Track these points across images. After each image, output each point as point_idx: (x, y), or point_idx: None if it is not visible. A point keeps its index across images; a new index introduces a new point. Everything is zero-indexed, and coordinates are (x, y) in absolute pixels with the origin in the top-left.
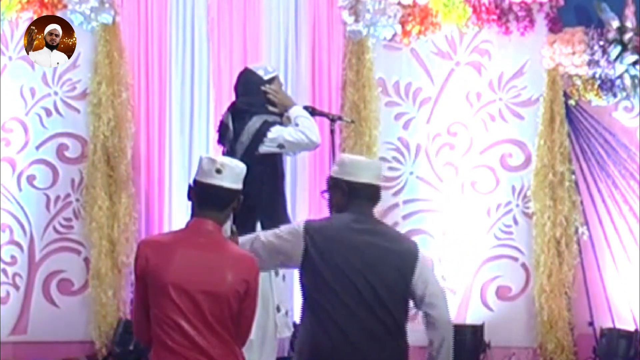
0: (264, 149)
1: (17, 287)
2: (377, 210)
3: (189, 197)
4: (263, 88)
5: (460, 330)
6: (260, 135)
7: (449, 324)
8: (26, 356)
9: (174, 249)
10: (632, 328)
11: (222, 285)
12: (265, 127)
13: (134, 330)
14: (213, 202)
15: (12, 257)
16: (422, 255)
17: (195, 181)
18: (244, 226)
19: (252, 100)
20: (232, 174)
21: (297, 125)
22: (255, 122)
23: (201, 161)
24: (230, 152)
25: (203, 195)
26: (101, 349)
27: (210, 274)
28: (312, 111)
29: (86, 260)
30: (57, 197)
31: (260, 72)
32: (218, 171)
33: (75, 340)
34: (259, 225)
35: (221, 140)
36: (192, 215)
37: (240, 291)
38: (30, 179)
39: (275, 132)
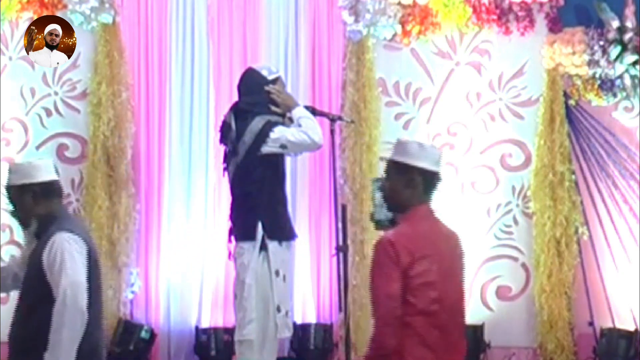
0: (266, 149)
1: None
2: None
3: (411, 185)
4: (266, 88)
5: None
6: (262, 135)
7: None
8: None
9: (432, 241)
10: (632, 328)
11: (461, 274)
12: (268, 127)
13: (383, 340)
14: (436, 188)
15: (12, 257)
16: None
17: (421, 169)
18: (245, 226)
19: (255, 100)
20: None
21: (299, 125)
22: (258, 122)
23: (426, 149)
24: (232, 152)
25: (430, 182)
26: None
27: (454, 264)
28: (313, 111)
29: None
30: None
31: (264, 72)
32: (440, 158)
33: None
34: (259, 225)
35: (223, 140)
36: (412, 202)
37: None
38: None
39: (278, 132)
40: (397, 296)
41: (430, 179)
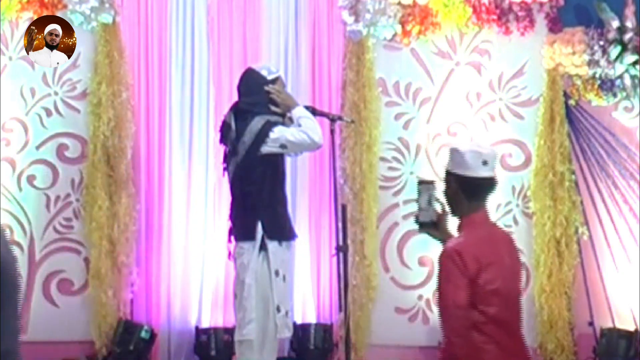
0: (266, 149)
1: None
2: (378, 210)
3: (467, 193)
4: (266, 88)
5: None
6: (262, 135)
7: None
8: (26, 356)
9: (494, 247)
10: (632, 328)
11: (521, 274)
12: (268, 127)
13: (455, 351)
14: (486, 193)
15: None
16: None
17: (477, 178)
18: (245, 226)
19: (255, 100)
20: (494, 163)
21: (299, 125)
22: (257, 122)
23: (463, 155)
24: (232, 152)
25: (477, 188)
26: (101, 349)
27: (515, 267)
28: (313, 111)
29: (86, 260)
30: (57, 197)
31: (264, 72)
32: (485, 163)
33: (75, 340)
34: (259, 225)
35: (223, 140)
36: (471, 210)
37: None
38: (30, 179)
39: (277, 132)
40: (465, 306)
41: (486, 186)
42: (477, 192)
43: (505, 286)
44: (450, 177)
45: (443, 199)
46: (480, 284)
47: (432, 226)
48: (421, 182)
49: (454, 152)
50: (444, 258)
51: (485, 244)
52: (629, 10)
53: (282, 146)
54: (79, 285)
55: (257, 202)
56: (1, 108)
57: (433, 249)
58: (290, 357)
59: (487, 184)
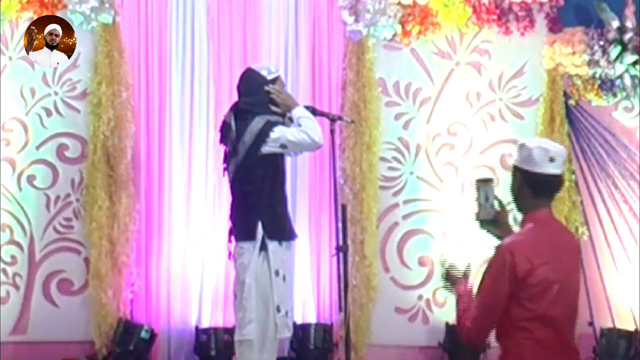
0: (266, 149)
1: (17, 287)
2: (377, 210)
3: (532, 189)
4: (266, 88)
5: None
6: (263, 135)
7: None
8: (26, 356)
9: (552, 246)
10: (632, 328)
11: (578, 276)
12: (268, 127)
13: (473, 335)
14: (552, 191)
15: (12, 257)
16: None
17: (542, 174)
18: (245, 226)
19: (255, 100)
20: (561, 160)
21: (299, 125)
22: (258, 122)
23: (531, 151)
24: (232, 152)
25: (542, 185)
26: (101, 349)
27: (572, 268)
28: (313, 111)
29: (86, 260)
30: (57, 197)
31: (264, 72)
32: (552, 160)
33: (75, 340)
34: (259, 225)
35: (223, 140)
36: (534, 206)
37: None
38: (30, 179)
39: (278, 132)
40: (500, 304)
41: (552, 183)
42: (542, 189)
43: (559, 287)
44: (517, 173)
45: (503, 196)
46: (531, 282)
47: (491, 223)
48: (479, 180)
49: (522, 148)
50: (496, 254)
51: (543, 243)
52: (629, 10)
53: (283, 146)
54: (79, 285)
55: (258, 202)
56: (1, 108)
57: (433, 249)
58: (290, 357)
59: (554, 181)
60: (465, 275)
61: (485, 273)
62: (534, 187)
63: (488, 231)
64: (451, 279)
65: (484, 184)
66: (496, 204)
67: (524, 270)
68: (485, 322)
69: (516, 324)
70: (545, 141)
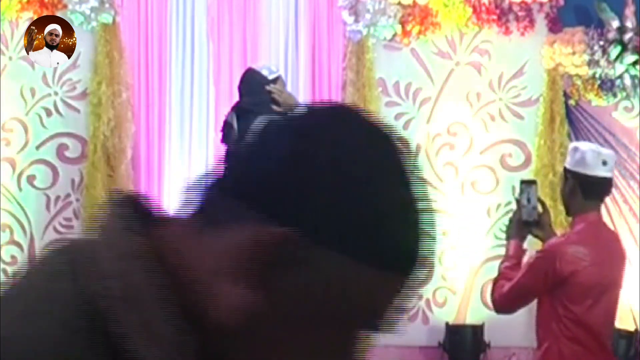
0: None
1: None
2: None
3: (583, 192)
4: (267, 88)
5: (460, 330)
6: None
7: None
8: None
9: (598, 249)
10: (632, 328)
11: (621, 280)
12: None
13: (503, 302)
14: (602, 194)
15: (12, 257)
16: None
17: (593, 177)
18: None
19: (257, 100)
20: (612, 164)
21: None
22: (260, 122)
23: (584, 153)
24: None
25: (594, 188)
26: None
27: (617, 268)
28: None
29: None
30: (57, 197)
31: (265, 72)
32: (604, 163)
33: None
34: None
35: (224, 140)
36: (583, 209)
37: None
38: (30, 179)
39: None
40: (533, 296)
41: (603, 186)
42: (593, 191)
43: (600, 290)
44: (569, 175)
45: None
46: (573, 284)
47: (534, 225)
48: (523, 181)
49: (575, 151)
50: (539, 254)
51: (590, 245)
52: (629, 10)
53: None
54: None
55: None
56: (1, 108)
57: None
58: None
59: (605, 184)
60: (522, 236)
61: (523, 269)
62: (585, 189)
63: (530, 233)
64: (512, 229)
65: (527, 185)
66: (539, 205)
67: (567, 272)
68: (516, 300)
69: (558, 323)
70: (596, 145)
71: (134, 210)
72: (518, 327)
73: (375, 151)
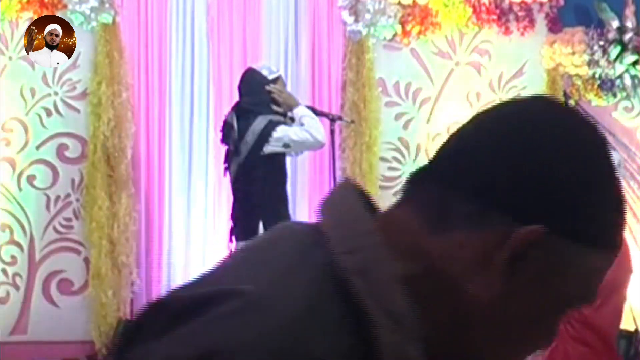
0: (269, 148)
1: (17, 287)
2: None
3: None
4: (267, 88)
5: None
6: (265, 134)
7: None
8: (26, 356)
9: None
10: (632, 328)
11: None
12: (271, 126)
13: None
14: None
15: (12, 257)
16: None
17: None
18: (246, 226)
19: (257, 100)
20: (620, 168)
21: (302, 124)
22: (260, 122)
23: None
24: (234, 152)
25: None
26: (101, 349)
27: (623, 269)
28: (313, 111)
29: (86, 260)
30: (57, 197)
31: (265, 72)
32: (619, 165)
33: (75, 340)
34: (261, 226)
35: (225, 140)
36: None
37: None
38: (30, 179)
39: (280, 131)
40: None
41: None
42: None
43: (609, 290)
44: None
45: None
46: None
47: None
48: None
49: None
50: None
51: None
52: (629, 10)
53: (285, 145)
54: (79, 285)
55: (259, 202)
56: (1, 108)
57: None
58: None
59: None
60: None
61: None
62: None
63: None
64: None
65: None
66: None
67: None
68: None
69: (566, 324)
70: None
71: (362, 195)
72: None
73: (605, 146)
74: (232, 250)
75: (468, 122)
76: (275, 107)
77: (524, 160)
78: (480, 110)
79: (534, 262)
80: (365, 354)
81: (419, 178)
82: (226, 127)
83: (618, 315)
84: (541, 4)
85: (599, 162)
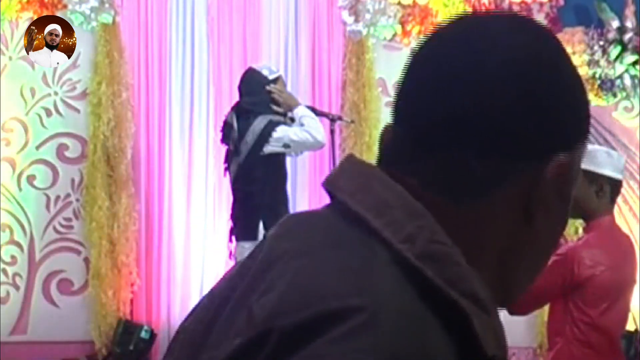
0: (269, 148)
1: (17, 287)
2: None
3: (599, 194)
4: (268, 88)
5: None
6: (265, 134)
7: None
8: (26, 356)
9: (614, 253)
10: (632, 328)
11: (633, 283)
12: (271, 126)
13: (526, 301)
14: (615, 196)
15: (12, 257)
16: None
17: (609, 177)
18: (246, 226)
19: (257, 100)
20: (622, 166)
21: (302, 125)
22: (260, 122)
23: (617, 157)
24: (234, 152)
25: (616, 191)
26: (101, 349)
27: (631, 271)
28: (313, 111)
29: (86, 260)
30: (57, 197)
31: (265, 72)
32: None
33: (75, 340)
34: (261, 225)
35: (225, 140)
36: (599, 211)
37: None
38: (30, 179)
39: (280, 131)
40: (546, 296)
41: (616, 188)
42: (616, 194)
43: (616, 294)
44: (603, 178)
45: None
46: (590, 287)
47: None
48: None
49: (608, 155)
50: (557, 256)
51: (606, 250)
52: (629, 10)
53: (285, 145)
54: (79, 285)
55: (259, 202)
56: (1, 108)
57: None
58: None
59: (617, 186)
60: None
61: (550, 262)
62: (614, 193)
63: None
64: None
65: None
66: None
67: (585, 276)
68: (531, 302)
69: (572, 326)
70: (605, 148)
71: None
72: (518, 327)
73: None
74: (267, 258)
75: (425, 67)
76: (275, 107)
77: (519, 103)
78: (435, 49)
79: (559, 185)
80: (459, 345)
81: (410, 150)
82: (226, 127)
83: (625, 316)
84: (541, 4)
85: (568, 67)
